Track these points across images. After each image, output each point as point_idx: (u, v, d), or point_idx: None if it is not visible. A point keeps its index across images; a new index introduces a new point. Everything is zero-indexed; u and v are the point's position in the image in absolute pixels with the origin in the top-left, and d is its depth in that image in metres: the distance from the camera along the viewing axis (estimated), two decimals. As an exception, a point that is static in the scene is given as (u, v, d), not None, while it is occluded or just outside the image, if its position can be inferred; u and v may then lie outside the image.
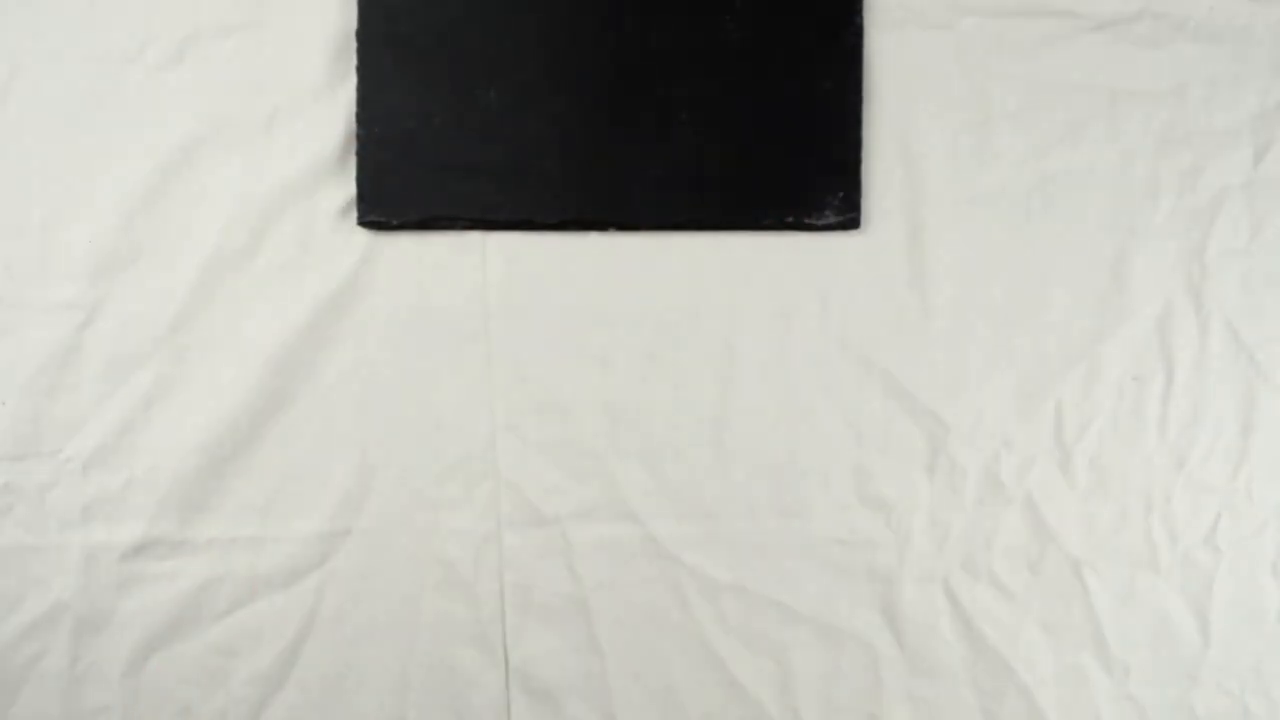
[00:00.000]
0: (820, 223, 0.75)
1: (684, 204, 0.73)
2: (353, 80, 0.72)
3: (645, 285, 0.76)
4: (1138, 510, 0.79)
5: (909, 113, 0.75)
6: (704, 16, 0.72)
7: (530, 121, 0.72)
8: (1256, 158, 0.77)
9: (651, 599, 0.78)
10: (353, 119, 0.73)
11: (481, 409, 0.76)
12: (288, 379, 0.75)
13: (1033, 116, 0.76)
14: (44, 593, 0.75)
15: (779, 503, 0.78)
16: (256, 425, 0.75)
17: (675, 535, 0.78)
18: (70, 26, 0.72)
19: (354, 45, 0.72)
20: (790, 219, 0.74)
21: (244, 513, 0.76)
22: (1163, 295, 0.77)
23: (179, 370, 0.74)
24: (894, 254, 0.76)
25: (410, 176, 0.72)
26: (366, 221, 0.73)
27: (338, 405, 0.75)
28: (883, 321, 0.76)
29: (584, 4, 0.72)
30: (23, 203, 0.72)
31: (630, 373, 0.76)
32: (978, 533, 0.78)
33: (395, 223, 0.73)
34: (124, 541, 0.75)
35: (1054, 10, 0.74)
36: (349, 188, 0.73)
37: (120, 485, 0.75)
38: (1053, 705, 0.80)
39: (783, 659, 0.79)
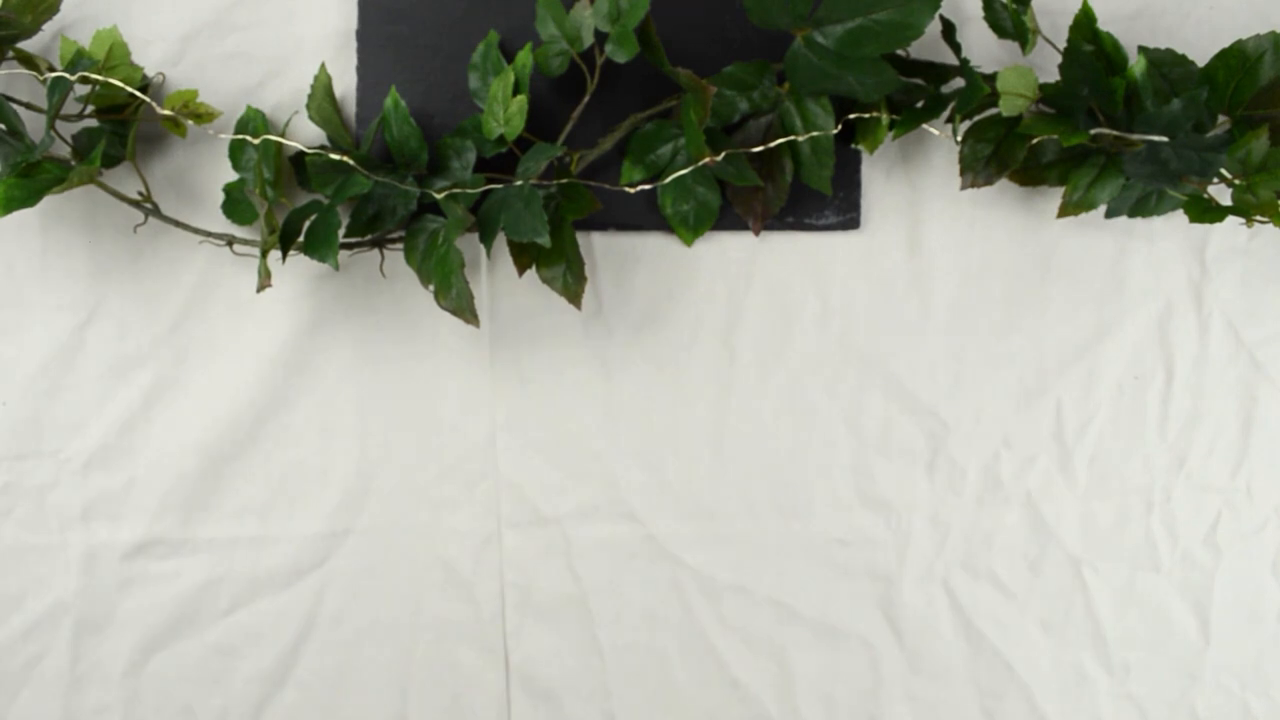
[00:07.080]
0: (820, 223, 0.75)
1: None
2: (353, 80, 0.73)
3: (645, 285, 0.76)
4: (1138, 510, 0.79)
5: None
6: (704, 17, 0.72)
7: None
8: (1256, 157, 0.77)
9: (651, 599, 0.78)
10: (353, 119, 0.73)
11: (481, 408, 0.76)
12: (288, 379, 0.75)
13: (1033, 116, 0.75)
14: (44, 593, 0.75)
15: (779, 503, 0.78)
16: (256, 425, 0.75)
17: (675, 535, 0.78)
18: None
19: (354, 45, 0.72)
20: (790, 219, 0.74)
21: (244, 513, 0.76)
22: (1163, 295, 0.77)
23: (179, 370, 0.74)
24: (894, 254, 0.76)
25: (410, 176, 0.72)
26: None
27: (338, 405, 0.75)
28: (883, 321, 0.76)
29: (584, 4, 0.72)
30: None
31: (630, 373, 0.76)
32: (978, 532, 0.78)
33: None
34: (124, 541, 0.75)
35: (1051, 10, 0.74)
36: (349, 188, 0.73)
37: (120, 485, 0.75)
38: (1053, 705, 0.80)
39: (783, 659, 0.79)
